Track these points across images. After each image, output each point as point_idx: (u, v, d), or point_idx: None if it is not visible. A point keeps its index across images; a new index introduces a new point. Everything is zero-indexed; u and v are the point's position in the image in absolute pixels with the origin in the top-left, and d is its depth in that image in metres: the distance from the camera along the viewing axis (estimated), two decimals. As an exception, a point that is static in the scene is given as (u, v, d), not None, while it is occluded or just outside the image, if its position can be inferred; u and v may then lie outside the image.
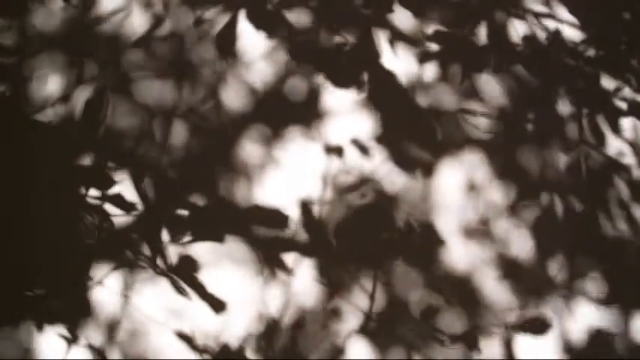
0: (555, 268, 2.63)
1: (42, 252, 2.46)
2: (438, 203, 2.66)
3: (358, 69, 2.80)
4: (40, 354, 2.37)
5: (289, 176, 2.65)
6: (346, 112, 2.75)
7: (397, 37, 2.86)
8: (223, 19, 2.81)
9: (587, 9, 2.98)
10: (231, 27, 2.80)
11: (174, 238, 2.53)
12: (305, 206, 2.61)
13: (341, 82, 2.78)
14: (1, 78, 2.65)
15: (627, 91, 2.90)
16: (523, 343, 2.55)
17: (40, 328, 2.39)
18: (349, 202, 2.64)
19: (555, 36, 2.93)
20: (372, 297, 2.52)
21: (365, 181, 2.66)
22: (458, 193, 2.69)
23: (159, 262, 2.49)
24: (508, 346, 2.53)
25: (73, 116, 2.62)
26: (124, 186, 2.55)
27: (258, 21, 2.84)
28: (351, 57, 2.81)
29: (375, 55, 2.82)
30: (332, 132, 2.71)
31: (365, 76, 2.79)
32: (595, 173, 2.78)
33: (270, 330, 2.46)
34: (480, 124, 2.78)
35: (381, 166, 2.69)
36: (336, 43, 2.82)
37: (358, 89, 2.76)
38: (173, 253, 2.51)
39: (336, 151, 2.68)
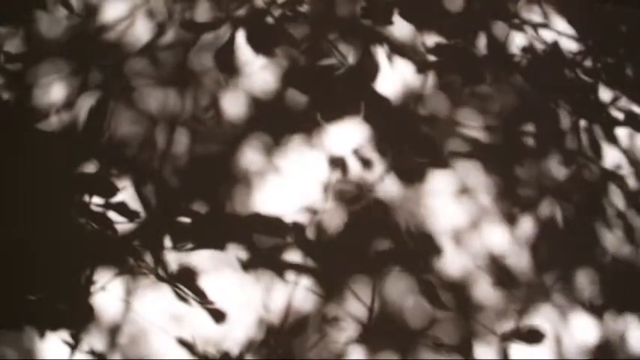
0: (551, 277, 2.65)
1: (45, 257, 2.47)
2: (435, 212, 2.68)
3: (358, 80, 2.82)
4: (42, 358, 2.38)
5: (289, 184, 2.66)
6: (346, 122, 2.76)
7: (396, 48, 2.87)
8: (226, 31, 2.83)
9: (584, 21, 3.00)
10: (232, 39, 2.82)
11: (176, 246, 2.54)
12: (304, 214, 2.62)
13: (341, 90, 2.79)
14: (6, 85, 2.67)
15: (624, 102, 2.92)
16: (518, 351, 2.56)
17: (42, 332, 2.40)
18: (348, 209, 2.65)
19: (553, 47, 2.95)
20: (371, 304, 2.54)
21: (364, 190, 2.68)
22: (454, 202, 2.70)
23: (160, 268, 2.51)
24: (503, 353, 2.55)
25: (77, 124, 2.64)
26: (127, 193, 2.57)
27: (260, 32, 2.85)
28: (351, 68, 2.83)
29: (374, 66, 2.84)
30: (332, 141, 2.73)
31: (364, 87, 2.81)
32: (592, 182, 2.79)
33: (270, 336, 2.48)
34: (478, 135, 2.80)
35: (379, 175, 2.70)
36: (335, 56, 2.84)
37: (357, 100, 2.78)
38: (175, 260, 2.52)
39: (336, 160, 2.70)
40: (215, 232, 2.57)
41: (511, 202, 2.72)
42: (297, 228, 2.60)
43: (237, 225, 2.59)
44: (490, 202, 2.71)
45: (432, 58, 2.87)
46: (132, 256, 2.50)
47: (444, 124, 2.79)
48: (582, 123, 2.86)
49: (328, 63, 2.82)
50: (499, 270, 2.63)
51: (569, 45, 2.97)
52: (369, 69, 2.83)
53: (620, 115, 2.89)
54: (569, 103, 2.88)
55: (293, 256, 2.57)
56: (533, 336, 2.57)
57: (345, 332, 2.51)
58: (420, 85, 2.83)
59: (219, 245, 2.55)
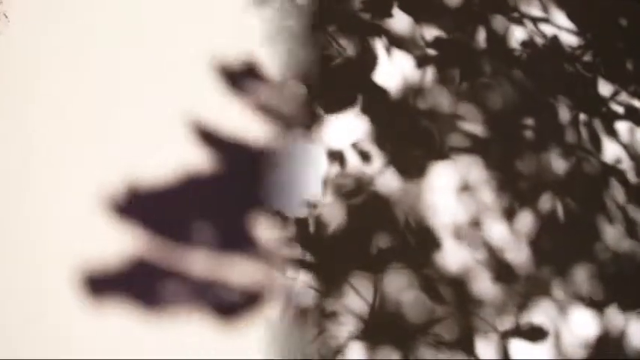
0: (551, 271, 2.64)
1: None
2: (435, 206, 2.67)
3: (357, 73, 2.81)
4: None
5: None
6: (344, 115, 2.76)
7: (395, 41, 2.87)
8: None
9: (584, 15, 3.00)
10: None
11: (175, 239, 2.54)
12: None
13: (339, 84, 2.79)
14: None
15: (624, 95, 2.91)
16: (517, 345, 2.56)
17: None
18: (347, 203, 2.65)
19: (553, 41, 2.95)
20: (374, 300, 2.54)
21: (363, 184, 2.67)
22: (454, 196, 2.70)
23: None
24: (503, 348, 2.54)
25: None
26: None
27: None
28: (350, 61, 2.83)
29: (373, 59, 2.83)
30: (330, 134, 2.72)
31: (363, 81, 2.81)
32: (592, 176, 2.79)
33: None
34: (478, 129, 2.79)
35: (378, 169, 2.70)
36: (334, 49, 2.84)
37: (357, 93, 2.78)
38: (173, 253, 2.52)
39: (334, 153, 2.70)
40: (214, 225, 2.57)
41: (511, 196, 2.72)
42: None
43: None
44: (490, 196, 2.71)
45: (431, 51, 2.86)
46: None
47: (443, 117, 2.79)
48: (582, 117, 2.86)
49: (327, 56, 2.82)
50: (499, 264, 2.63)
51: (569, 39, 2.96)
52: (368, 62, 2.83)
53: (620, 109, 2.89)
54: (568, 97, 2.87)
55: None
56: (533, 332, 2.57)
57: (344, 327, 2.50)
58: (419, 78, 2.83)
59: (218, 238, 2.55)
